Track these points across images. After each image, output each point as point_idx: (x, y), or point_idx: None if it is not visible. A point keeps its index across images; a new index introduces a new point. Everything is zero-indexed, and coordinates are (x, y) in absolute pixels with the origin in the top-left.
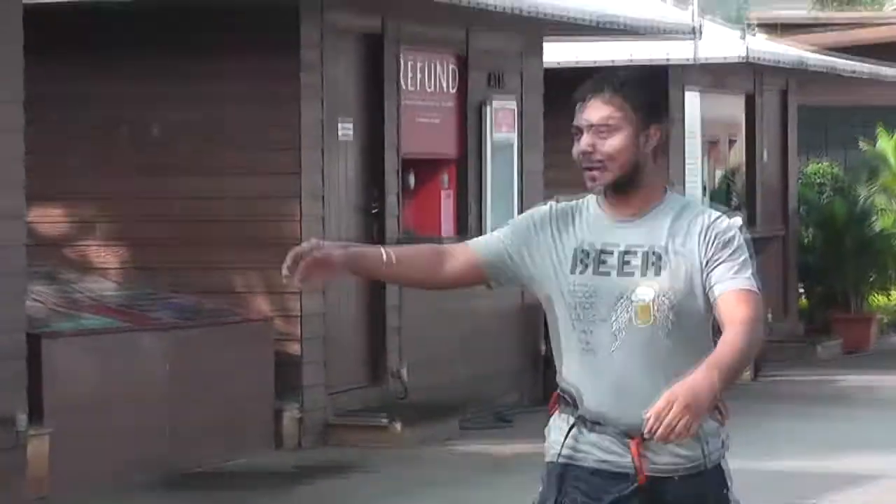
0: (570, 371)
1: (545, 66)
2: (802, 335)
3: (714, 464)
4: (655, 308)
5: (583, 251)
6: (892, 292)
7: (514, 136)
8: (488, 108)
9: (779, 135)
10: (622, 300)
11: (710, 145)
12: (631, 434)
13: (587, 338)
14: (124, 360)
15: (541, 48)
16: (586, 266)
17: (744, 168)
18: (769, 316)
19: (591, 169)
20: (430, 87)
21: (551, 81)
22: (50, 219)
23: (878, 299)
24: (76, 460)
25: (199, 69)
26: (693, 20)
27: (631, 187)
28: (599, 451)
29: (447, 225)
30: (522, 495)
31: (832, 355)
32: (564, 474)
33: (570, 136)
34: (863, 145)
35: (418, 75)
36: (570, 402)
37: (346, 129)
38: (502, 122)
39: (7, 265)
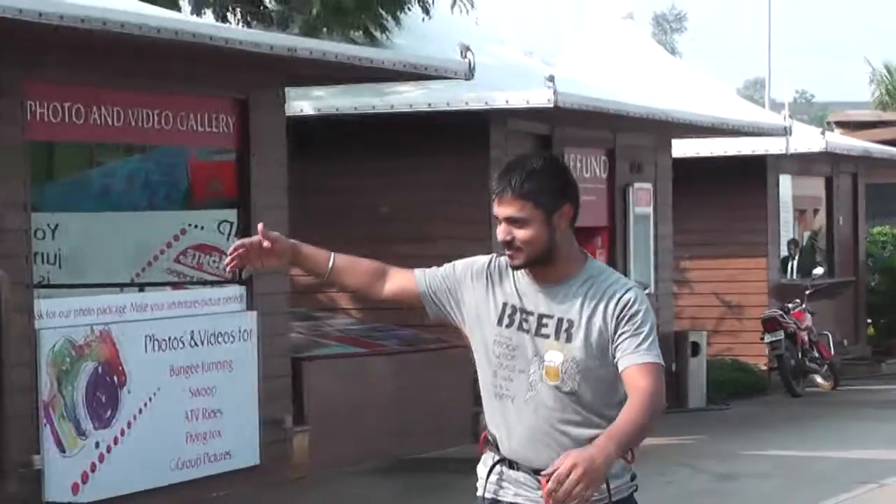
0: (491, 417)
1: (674, 157)
2: (870, 356)
3: (620, 497)
4: (563, 371)
5: (511, 307)
6: None
7: (650, 210)
8: (630, 190)
9: (851, 206)
10: (536, 357)
11: (799, 214)
12: (542, 473)
13: (508, 385)
14: (362, 377)
15: (670, 144)
16: (512, 321)
17: (825, 230)
18: (845, 341)
19: (508, 251)
20: (587, 174)
21: (680, 169)
22: (306, 273)
23: None
24: (327, 451)
25: (415, 165)
26: (785, 121)
27: (547, 263)
28: (517, 486)
29: None
30: (655, 478)
31: (894, 371)
32: None
33: (693, 210)
34: None
35: (578, 165)
36: (493, 444)
37: None
38: (641, 200)
39: (274, 307)
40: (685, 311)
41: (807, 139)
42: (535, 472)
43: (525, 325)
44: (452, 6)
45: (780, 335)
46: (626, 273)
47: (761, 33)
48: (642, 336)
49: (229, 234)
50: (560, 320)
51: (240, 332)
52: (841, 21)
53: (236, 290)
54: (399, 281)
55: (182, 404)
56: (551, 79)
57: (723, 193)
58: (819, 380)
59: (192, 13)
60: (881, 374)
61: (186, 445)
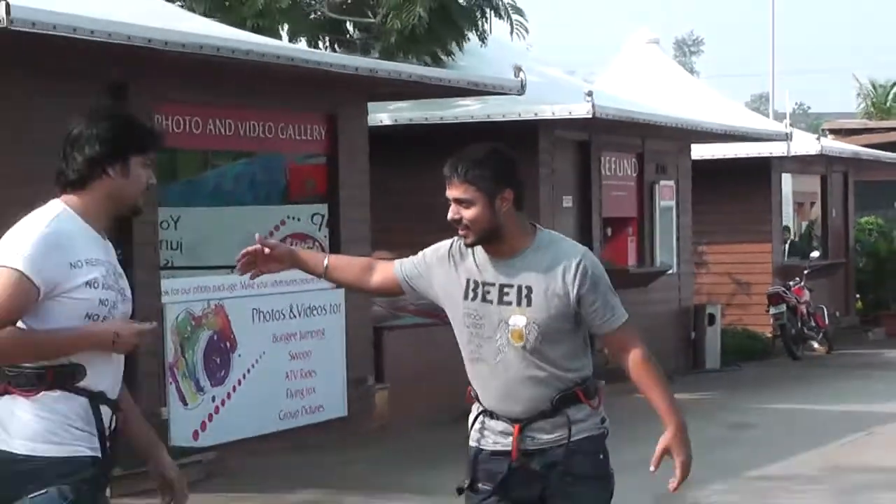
0: (470, 375)
1: (693, 159)
2: (859, 325)
3: (583, 435)
4: (527, 332)
5: (474, 282)
6: None
7: (673, 204)
8: (657, 187)
9: (842, 200)
10: (502, 324)
11: (799, 206)
12: (516, 421)
13: (479, 350)
14: (432, 343)
15: (689, 149)
16: (476, 294)
17: (820, 220)
18: (837, 313)
19: (460, 230)
20: (619, 174)
21: (697, 169)
22: (385, 258)
23: None
24: (403, 405)
25: None
26: (786, 129)
27: (497, 240)
28: (496, 435)
29: (631, 259)
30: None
31: (879, 338)
32: (477, 456)
33: (709, 204)
34: None
35: (612, 166)
36: (476, 398)
37: (567, 201)
38: (665, 195)
39: None
40: (703, 288)
41: (805, 144)
42: (512, 420)
43: (488, 297)
44: (511, 33)
45: (783, 308)
46: (653, 256)
47: (766, 55)
48: (607, 299)
49: (321, 225)
50: (520, 287)
51: (331, 305)
52: (833, 44)
53: None
54: (383, 272)
55: (283, 366)
56: (590, 94)
57: (734, 189)
58: (816, 345)
59: (289, 41)
60: (868, 341)
61: (286, 400)
